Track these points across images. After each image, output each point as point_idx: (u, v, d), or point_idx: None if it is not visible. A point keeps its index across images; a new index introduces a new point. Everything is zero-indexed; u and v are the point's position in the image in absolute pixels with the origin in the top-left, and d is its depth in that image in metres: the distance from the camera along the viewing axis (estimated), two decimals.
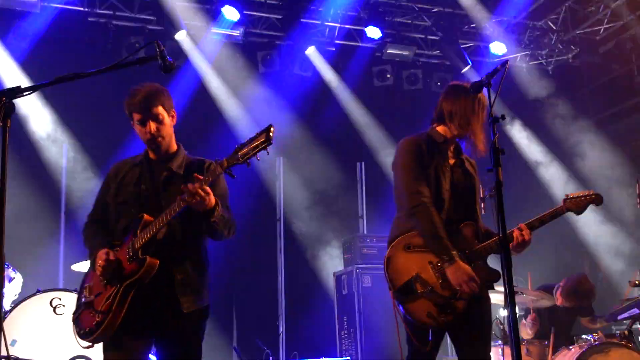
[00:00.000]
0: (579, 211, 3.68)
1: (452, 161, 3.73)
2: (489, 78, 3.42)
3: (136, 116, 3.30)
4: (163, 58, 2.88)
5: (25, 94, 2.66)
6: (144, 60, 2.90)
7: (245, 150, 2.99)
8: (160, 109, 3.31)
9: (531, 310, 6.01)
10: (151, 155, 3.43)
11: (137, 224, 3.23)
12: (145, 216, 3.21)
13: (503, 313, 5.56)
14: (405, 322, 3.50)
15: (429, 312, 3.40)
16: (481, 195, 3.78)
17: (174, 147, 3.45)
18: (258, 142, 2.97)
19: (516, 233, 3.53)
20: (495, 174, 2.94)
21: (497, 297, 4.66)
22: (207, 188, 3.02)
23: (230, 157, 3.02)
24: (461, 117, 3.64)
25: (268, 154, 3.01)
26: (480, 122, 3.63)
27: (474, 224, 3.63)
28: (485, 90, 3.37)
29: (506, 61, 3.41)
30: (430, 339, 3.48)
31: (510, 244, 3.47)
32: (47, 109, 7.85)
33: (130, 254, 3.15)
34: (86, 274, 3.44)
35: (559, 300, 6.08)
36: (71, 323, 3.34)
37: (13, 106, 2.60)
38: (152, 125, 3.29)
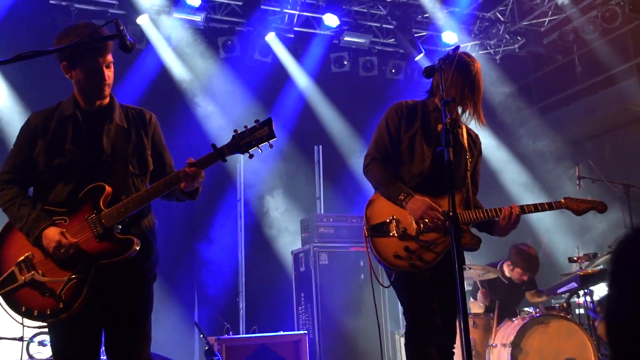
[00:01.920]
0: (579, 213, 3.59)
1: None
2: (441, 63, 3.42)
3: (86, 60, 2.92)
4: (123, 37, 2.67)
5: None
6: (104, 38, 2.80)
7: (247, 140, 2.89)
8: (111, 56, 3.00)
9: (479, 285, 6.11)
10: (82, 105, 3.03)
11: (96, 194, 2.91)
12: (106, 187, 2.91)
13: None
14: (374, 257, 3.46)
15: (396, 253, 3.38)
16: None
17: (108, 97, 3.11)
18: (262, 135, 2.88)
19: (506, 210, 3.49)
20: (446, 154, 2.95)
21: None
22: (203, 173, 2.96)
23: (232, 145, 2.92)
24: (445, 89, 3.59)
25: (271, 148, 2.94)
26: (467, 91, 3.52)
27: (462, 193, 3.55)
28: (438, 74, 3.37)
29: (457, 47, 3.43)
30: (392, 278, 3.46)
31: (499, 221, 3.49)
32: (8, 88, 7.59)
33: (100, 231, 2.87)
34: (5, 241, 2.99)
35: (512, 274, 6.14)
36: None
37: None
38: (107, 72, 2.97)
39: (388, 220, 3.46)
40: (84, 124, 3.00)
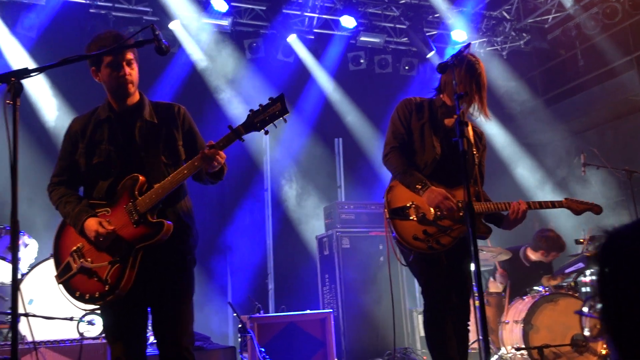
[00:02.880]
0: (578, 212, 3.62)
1: (450, 125, 3.60)
2: (454, 59, 3.37)
3: (107, 59, 2.90)
4: (159, 41, 2.68)
5: (32, 74, 2.52)
6: (142, 43, 2.79)
7: (261, 117, 2.82)
8: (132, 55, 2.96)
9: (498, 266, 6.01)
10: (115, 107, 3.03)
11: (131, 184, 2.91)
12: (140, 177, 2.90)
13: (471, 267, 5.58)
14: (395, 241, 3.43)
15: (415, 235, 3.36)
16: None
17: (137, 96, 3.08)
18: (275, 111, 2.81)
19: (515, 205, 3.47)
20: (460, 144, 2.89)
21: None
22: (223, 154, 2.83)
23: (247, 124, 2.85)
24: (449, 86, 3.54)
25: (285, 122, 2.84)
26: (474, 89, 3.46)
27: (473, 186, 3.52)
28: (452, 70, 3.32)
29: (469, 44, 3.37)
30: (410, 258, 3.44)
31: (508, 215, 3.49)
32: (54, 93, 7.63)
33: (136, 217, 2.86)
34: (61, 236, 3.04)
35: (547, 259, 6.05)
36: (60, 285, 2.97)
37: (21, 86, 2.48)
38: (127, 69, 2.94)
39: (408, 205, 3.43)
40: (118, 124, 3.02)
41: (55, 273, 3.01)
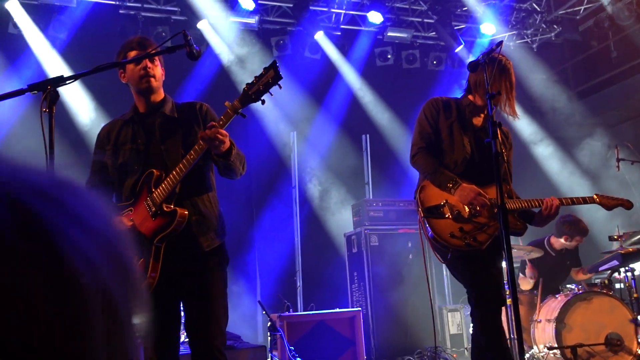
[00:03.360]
0: (608, 208, 3.65)
1: (478, 125, 3.61)
2: (485, 57, 3.34)
3: (132, 53, 2.98)
4: (190, 46, 2.73)
5: (67, 82, 2.58)
6: (173, 48, 2.81)
7: (255, 88, 2.78)
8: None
9: (527, 262, 5.94)
10: (140, 108, 3.10)
11: (148, 180, 2.93)
12: (155, 171, 2.92)
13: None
14: (429, 240, 3.42)
15: (451, 232, 3.34)
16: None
17: (162, 95, 3.13)
18: (268, 79, 2.76)
19: (548, 201, 3.47)
20: (494, 146, 2.86)
21: None
22: (223, 131, 2.76)
23: (242, 97, 2.81)
24: (483, 86, 3.47)
25: (280, 88, 2.77)
26: (505, 89, 3.45)
27: (505, 183, 3.48)
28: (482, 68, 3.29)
29: (501, 42, 3.33)
30: (449, 256, 3.42)
31: (541, 211, 3.48)
32: (88, 96, 7.75)
33: (153, 210, 2.87)
34: None
35: (562, 243, 5.99)
36: None
37: (57, 94, 2.53)
38: (150, 65, 3.00)
39: (442, 203, 3.41)
40: (140, 123, 3.08)
41: None
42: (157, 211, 2.86)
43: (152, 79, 3.02)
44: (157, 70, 3.06)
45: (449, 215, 3.38)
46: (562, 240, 5.95)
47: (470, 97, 3.66)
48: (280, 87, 2.78)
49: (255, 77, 2.82)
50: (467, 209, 3.39)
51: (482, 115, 3.64)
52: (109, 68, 2.64)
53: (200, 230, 2.96)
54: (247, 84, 2.83)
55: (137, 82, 3.02)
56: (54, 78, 2.53)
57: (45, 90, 2.50)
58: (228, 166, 2.93)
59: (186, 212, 2.88)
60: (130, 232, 2.84)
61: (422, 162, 3.50)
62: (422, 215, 3.40)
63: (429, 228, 3.37)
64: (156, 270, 2.83)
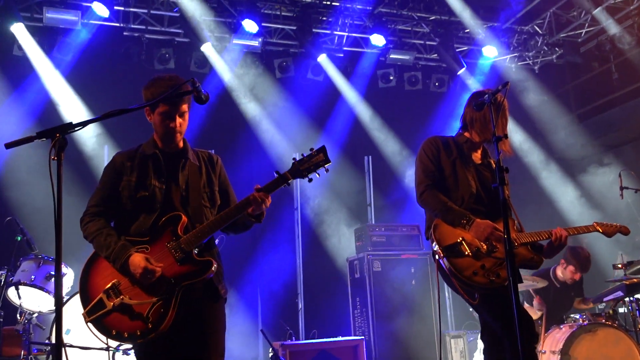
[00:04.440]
0: (608, 235, 3.73)
1: (478, 161, 3.63)
2: (491, 97, 3.34)
3: (163, 107, 3.02)
4: (198, 92, 2.82)
5: (76, 129, 2.55)
6: (182, 94, 2.83)
7: (306, 165, 3.01)
8: (186, 107, 3.10)
9: (533, 294, 5.89)
10: (160, 146, 3.15)
11: (173, 222, 2.97)
12: (183, 216, 2.99)
13: None
14: (452, 277, 3.33)
15: (474, 271, 3.28)
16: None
17: (182, 142, 3.20)
18: (319, 160, 3.01)
19: (557, 232, 3.48)
20: (501, 192, 2.85)
21: None
22: (269, 197, 2.99)
23: (294, 171, 3.02)
24: (481, 123, 3.53)
25: (327, 172, 3.04)
26: (501, 127, 3.46)
27: (512, 220, 3.50)
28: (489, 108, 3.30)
29: (507, 82, 3.32)
30: (476, 296, 3.36)
31: (551, 242, 3.49)
32: (89, 114, 7.75)
33: (181, 255, 2.93)
34: (91, 271, 3.02)
35: (564, 273, 5.96)
36: (87, 322, 2.93)
37: (66, 141, 2.51)
38: (179, 120, 3.06)
39: (459, 241, 3.36)
40: (163, 162, 3.11)
41: (82, 310, 2.98)
42: (185, 258, 2.93)
43: (179, 135, 3.12)
44: (185, 124, 3.14)
45: (468, 253, 3.32)
46: (568, 271, 5.91)
47: (466, 134, 3.67)
48: (327, 170, 3.05)
49: (304, 155, 3.06)
50: (484, 245, 3.35)
51: (480, 150, 3.68)
52: (120, 114, 2.64)
53: (217, 279, 3.09)
54: (295, 159, 3.05)
55: (164, 133, 3.09)
56: (62, 125, 2.51)
57: (54, 138, 2.47)
58: (250, 226, 3.16)
59: (216, 264, 2.99)
60: (158, 272, 2.88)
61: (431, 200, 3.48)
62: (442, 254, 3.34)
63: (450, 267, 3.30)
64: (172, 317, 2.88)
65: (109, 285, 2.93)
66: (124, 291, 2.92)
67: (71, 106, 7.64)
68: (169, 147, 3.14)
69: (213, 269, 2.93)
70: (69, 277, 5.49)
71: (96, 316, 2.91)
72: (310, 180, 3.03)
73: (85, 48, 7.74)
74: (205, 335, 2.99)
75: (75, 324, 4.96)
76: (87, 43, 7.76)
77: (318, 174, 3.03)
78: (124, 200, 3.05)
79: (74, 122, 2.57)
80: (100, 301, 2.92)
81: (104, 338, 2.94)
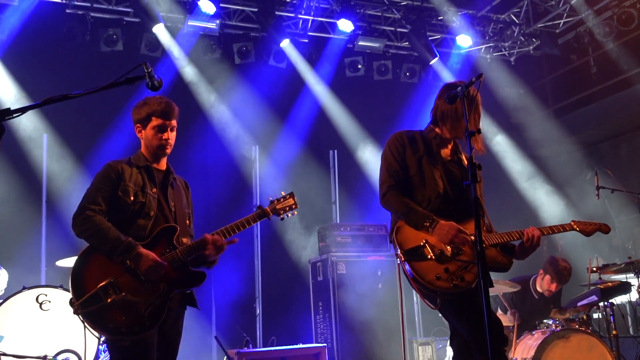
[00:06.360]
0: (587, 234, 3.84)
1: (447, 158, 3.66)
2: (464, 90, 3.39)
3: (156, 121, 3.47)
4: (151, 78, 2.90)
5: (14, 115, 2.53)
6: (132, 80, 2.81)
7: (280, 206, 3.69)
8: (175, 122, 3.56)
9: (506, 305, 5.97)
10: (151, 162, 3.56)
11: (169, 233, 3.39)
12: (178, 227, 3.43)
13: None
14: (414, 282, 3.39)
15: (437, 275, 3.32)
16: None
17: (166, 163, 3.65)
18: (291, 204, 3.71)
19: (529, 232, 3.54)
20: (473, 190, 2.91)
21: None
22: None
23: (272, 209, 3.67)
24: (452, 117, 3.56)
25: (295, 215, 3.75)
26: (474, 122, 3.49)
27: (483, 220, 3.50)
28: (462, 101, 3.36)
29: (481, 74, 3.38)
30: (438, 301, 3.41)
31: (522, 243, 3.54)
32: (27, 101, 7.59)
33: (179, 263, 3.34)
34: (87, 264, 3.28)
35: (542, 284, 6.08)
36: (76, 314, 3.20)
37: (3, 129, 2.49)
38: (170, 134, 3.51)
39: (422, 244, 3.41)
40: (155, 174, 3.54)
41: (72, 300, 3.22)
42: (181, 267, 3.36)
43: (169, 147, 3.55)
44: (174, 139, 3.56)
45: (431, 257, 3.37)
46: (546, 282, 6.00)
47: (437, 129, 3.70)
48: (294, 214, 3.76)
49: (278, 197, 3.74)
50: (449, 248, 3.41)
51: (450, 145, 3.71)
52: (60, 101, 2.61)
53: (195, 290, 3.56)
54: (272, 199, 3.73)
55: (155, 147, 3.51)
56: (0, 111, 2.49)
57: None
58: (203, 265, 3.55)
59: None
60: (164, 269, 3.29)
61: (393, 202, 3.52)
62: (403, 258, 3.41)
63: (411, 271, 3.36)
64: (165, 317, 3.28)
65: (107, 281, 3.21)
66: (124, 287, 3.22)
67: (6, 90, 7.46)
68: (159, 161, 3.57)
69: (204, 280, 3.40)
70: (3, 279, 5.37)
71: (91, 309, 3.18)
72: (282, 219, 3.73)
73: (22, 26, 7.56)
74: (176, 342, 3.47)
75: (10, 330, 4.87)
76: (25, 21, 7.57)
77: (288, 215, 3.72)
78: (121, 203, 3.38)
79: (12, 109, 2.55)
80: (96, 295, 3.20)
81: (95, 332, 3.35)
